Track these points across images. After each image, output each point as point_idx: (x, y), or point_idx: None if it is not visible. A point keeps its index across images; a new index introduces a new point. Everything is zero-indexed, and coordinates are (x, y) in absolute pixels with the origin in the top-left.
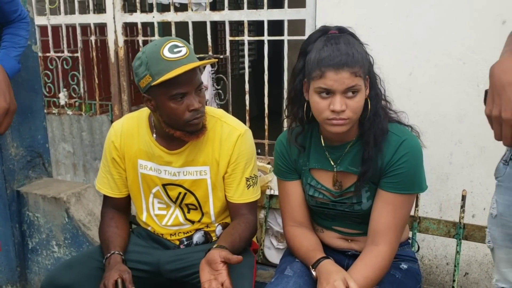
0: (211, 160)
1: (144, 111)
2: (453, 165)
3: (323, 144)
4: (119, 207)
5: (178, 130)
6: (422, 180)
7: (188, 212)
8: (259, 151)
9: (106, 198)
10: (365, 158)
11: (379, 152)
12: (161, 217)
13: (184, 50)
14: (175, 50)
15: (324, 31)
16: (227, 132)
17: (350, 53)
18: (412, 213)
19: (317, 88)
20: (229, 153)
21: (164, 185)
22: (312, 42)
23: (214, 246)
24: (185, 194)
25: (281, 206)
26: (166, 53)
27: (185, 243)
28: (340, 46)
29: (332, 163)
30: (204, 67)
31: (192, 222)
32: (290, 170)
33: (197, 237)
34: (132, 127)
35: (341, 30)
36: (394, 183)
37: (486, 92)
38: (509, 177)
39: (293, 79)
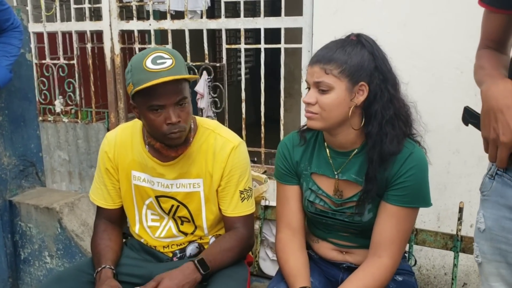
0: (204, 173)
1: (138, 121)
2: (451, 174)
3: (327, 150)
4: (112, 219)
5: (158, 141)
6: (427, 194)
7: (182, 224)
8: (255, 159)
9: (99, 209)
10: (369, 176)
11: (385, 171)
12: (154, 229)
13: (168, 62)
14: (158, 61)
15: (346, 37)
16: (221, 144)
17: (331, 53)
18: None
19: None
20: (223, 166)
21: (157, 197)
22: None
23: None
24: (178, 206)
25: (278, 210)
26: (148, 63)
27: (178, 255)
28: (330, 47)
29: (334, 171)
30: (201, 74)
31: (185, 234)
32: (290, 173)
33: (191, 249)
34: (126, 138)
35: (358, 37)
36: (399, 196)
37: (465, 109)
38: (495, 191)
39: None
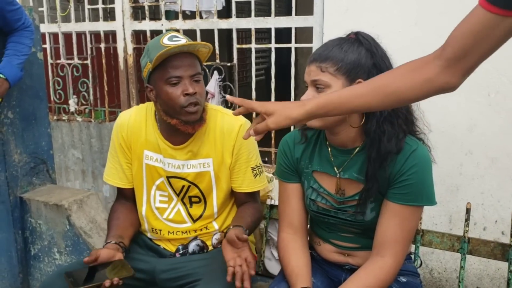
0: (214, 152)
1: (153, 104)
2: (463, 176)
3: (329, 148)
4: (130, 198)
5: (174, 118)
6: (431, 192)
7: (191, 207)
8: (266, 159)
9: (118, 192)
10: (369, 174)
11: (385, 169)
12: (162, 210)
13: (183, 40)
14: (174, 39)
15: (346, 36)
16: (228, 122)
17: (327, 51)
18: None
19: None
20: (232, 144)
21: (168, 178)
22: None
23: (231, 226)
24: (189, 186)
25: (280, 209)
26: (165, 41)
27: (181, 251)
28: (328, 45)
29: (336, 169)
30: (212, 74)
31: (194, 220)
32: (291, 171)
33: (193, 246)
34: (140, 118)
35: (356, 35)
36: (402, 194)
37: None
38: None
39: None
